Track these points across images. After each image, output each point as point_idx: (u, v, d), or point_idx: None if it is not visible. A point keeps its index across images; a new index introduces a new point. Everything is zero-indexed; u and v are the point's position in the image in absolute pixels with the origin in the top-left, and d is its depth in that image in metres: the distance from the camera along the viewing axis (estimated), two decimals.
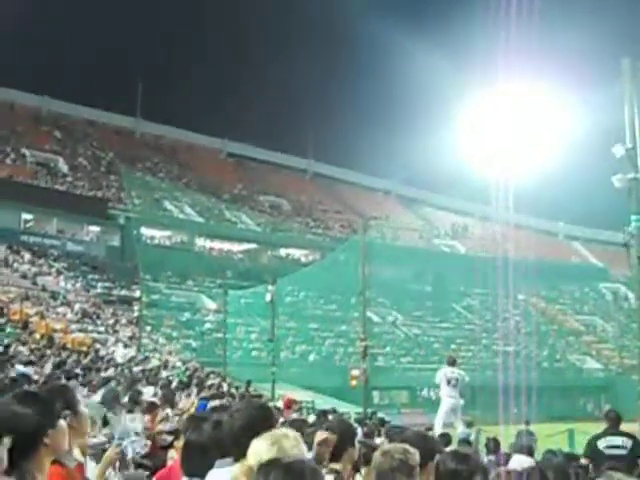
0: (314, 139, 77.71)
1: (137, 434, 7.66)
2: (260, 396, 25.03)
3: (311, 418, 18.47)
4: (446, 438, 11.96)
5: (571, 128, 53.85)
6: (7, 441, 2.37)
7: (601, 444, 9.79)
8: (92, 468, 5.61)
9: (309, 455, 3.73)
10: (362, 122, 73.09)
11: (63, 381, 15.71)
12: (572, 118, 53.76)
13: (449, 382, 15.62)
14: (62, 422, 3.95)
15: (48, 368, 21.77)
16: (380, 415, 24.56)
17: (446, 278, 63.03)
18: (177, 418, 12.92)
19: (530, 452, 9.73)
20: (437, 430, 15.09)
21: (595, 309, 71.22)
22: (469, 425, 16.06)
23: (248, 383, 30.08)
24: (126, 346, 37.02)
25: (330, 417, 14.33)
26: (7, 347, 25.81)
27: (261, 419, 4.26)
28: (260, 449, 3.67)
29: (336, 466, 5.18)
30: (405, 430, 6.82)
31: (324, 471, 5.03)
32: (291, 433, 3.77)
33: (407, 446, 5.20)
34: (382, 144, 64.67)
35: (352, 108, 78.96)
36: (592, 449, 9.83)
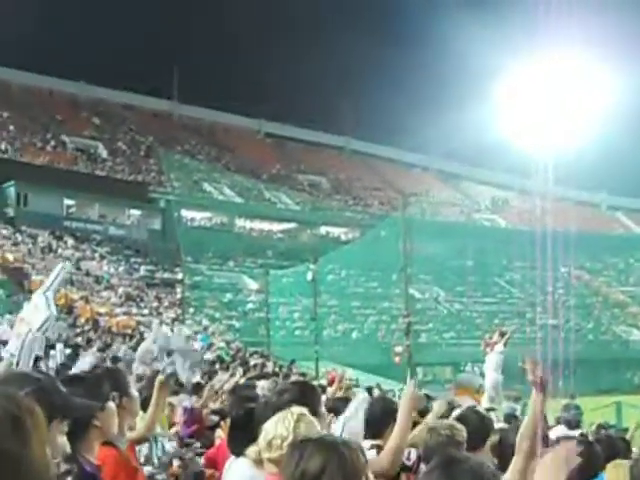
0: (351, 116, 77.40)
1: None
2: (304, 375, 25.13)
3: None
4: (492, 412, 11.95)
5: (611, 97, 53.08)
6: (65, 427, 2.41)
7: None
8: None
9: (319, 430, 3.73)
10: (399, 98, 72.65)
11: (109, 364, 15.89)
12: (612, 87, 52.97)
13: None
14: (111, 404, 4.00)
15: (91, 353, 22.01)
16: (425, 391, 24.52)
17: (487, 252, 62.60)
18: (223, 398, 13.01)
19: (576, 425, 9.68)
20: (485, 405, 15.06)
21: None
22: (516, 400, 15.99)
23: (291, 362, 30.20)
24: (172, 330, 37.33)
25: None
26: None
27: (308, 397, 4.29)
28: (270, 428, 3.70)
29: (378, 442, 5.20)
30: (454, 405, 6.81)
31: (367, 445, 5.06)
32: (299, 410, 3.78)
33: (454, 422, 5.20)
34: (420, 119, 64.21)
35: (389, 84, 78.64)
36: None
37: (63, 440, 2.41)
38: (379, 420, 5.31)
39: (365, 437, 5.24)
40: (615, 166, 62.29)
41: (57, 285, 7.39)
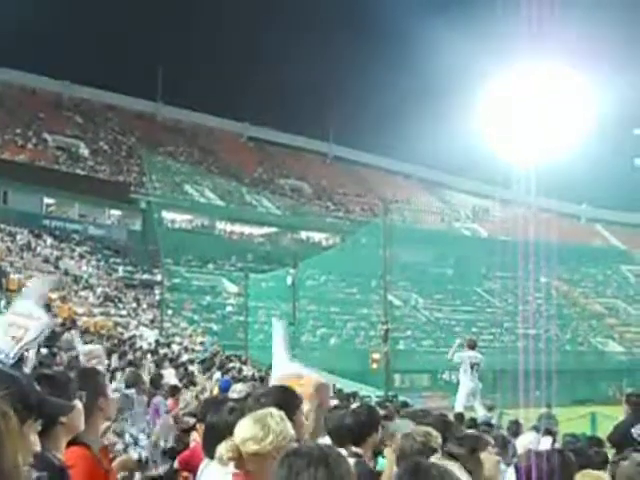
0: (334, 122, 77.46)
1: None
2: None
3: (333, 402, 18.47)
4: (462, 418, 12.00)
5: (593, 111, 53.48)
6: (39, 427, 2.40)
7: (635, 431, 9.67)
8: None
9: (292, 432, 3.76)
10: (383, 105, 72.86)
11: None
12: (594, 101, 53.37)
13: (472, 367, 15.56)
14: (77, 402, 3.99)
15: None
16: (402, 398, 24.57)
17: (467, 261, 62.86)
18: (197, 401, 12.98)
19: (551, 435, 9.69)
20: (457, 410, 15.09)
21: (618, 292, 70.78)
22: (490, 409, 16.04)
23: (269, 367, 30.15)
24: (152, 329, 37.30)
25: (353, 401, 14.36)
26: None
27: (288, 403, 4.29)
28: (244, 427, 3.71)
29: (358, 450, 5.21)
30: (427, 413, 6.82)
31: (345, 454, 5.06)
32: (275, 411, 3.80)
33: (429, 429, 5.21)
34: (403, 127, 64.40)
35: (372, 91, 78.74)
36: (619, 434, 9.73)
37: (35, 439, 2.40)
38: (362, 428, 5.33)
39: (346, 444, 5.24)
40: (596, 178, 62.74)
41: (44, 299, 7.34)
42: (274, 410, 3.83)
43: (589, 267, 71.25)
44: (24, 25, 61.48)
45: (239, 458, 3.70)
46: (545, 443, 7.49)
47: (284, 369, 11.39)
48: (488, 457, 5.03)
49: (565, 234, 64.13)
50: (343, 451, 5.01)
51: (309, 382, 10.39)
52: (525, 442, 7.35)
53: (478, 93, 58.23)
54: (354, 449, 5.20)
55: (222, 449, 3.83)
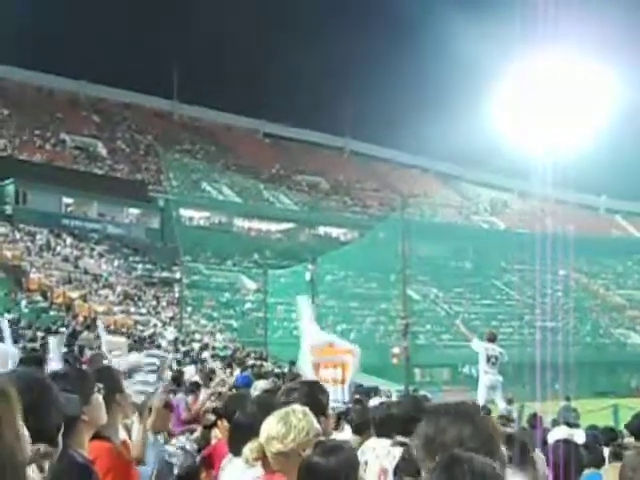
0: (351, 117, 77.43)
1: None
2: (300, 375, 25.13)
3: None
4: (485, 410, 11.95)
5: (612, 100, 53.10)
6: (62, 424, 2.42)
7: None
8: None
9: (317, 427, 3.75)
10: (399, 99, 72.69)
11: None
12: (614, 90, 52.99)
13: (489, 359, 15.49)
14: (96, 396, 4.01)
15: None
16: (422, 393, 24.53)
17: (486, 254, 62.66)
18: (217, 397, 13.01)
19: (575, 427, 9.66)
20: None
21: (639, 283, 70.33)
22: (509, 402, 15.96)
23: (292, 363, 30.15)
24: (168, 326, 37.39)
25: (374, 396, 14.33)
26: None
27: (316, 397, 4.29)
28: (268, 426, 3.70)
29: (404, 439, 5.19)
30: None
31: (389, 443, 5.09)
32: (299, 408, 3.79)
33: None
34: (419, 121, 64.23)
35: (389, 86, 78.64)
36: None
37: (60, 438, 2.42)
38: (408, 418, 5.32)
39: (392, 433, 5.26)
40: (615, 169, 62.33)
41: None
42: (297, 406, 3.83)
43: (609, 258, 70.81)
44: (40, 26, 61.78)
45: (264, 458, 3.70)
46: (579, 437, 7.47)
47: (316, 338, 11.41)
48: (538, 455, 4.95)
49: (584, 226, 63.84)
50: (389, 440, 5.06)
51: (341, 349, 10.39)
52: (557, 436, 7.30)
53: (495, 85, 57.94)
54: (400, 438, 5.20)
55: (247, 450, 3.84)
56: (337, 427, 5.55)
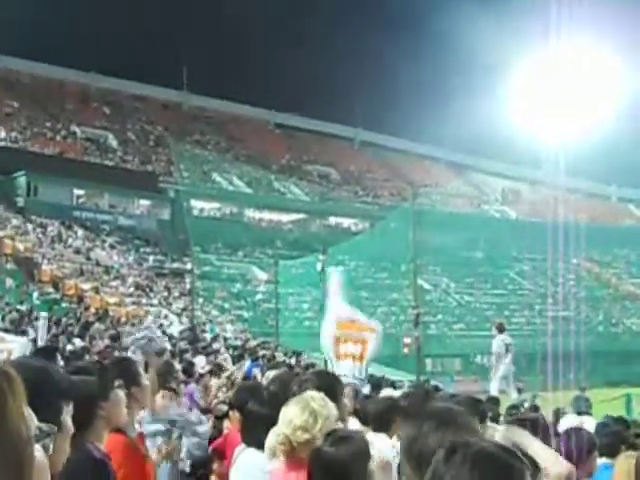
0: (361, 107, 77.22)
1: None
2: (313, 365, 25.15)
3: (366, 389, 18.44)
4: (496, 401, 11.94)
5: (624, 88, 52.81)
6: (70, 408, 2.43)
7: None
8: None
9: (336, 412, 3.73)
10: (409, 88, 72.42)
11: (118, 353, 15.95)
12: (624, 77, 52.70)
13: (507, 349, 15.52)
14: (117, 393, 3.99)
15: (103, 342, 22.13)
16: (434, 383, 24.52)
17: (497, 244, 62.48)
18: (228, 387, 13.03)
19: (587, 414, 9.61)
20: (492, 394, 15.02)
21: None
22: (519, 392, 15.98)
23: (297, 354, 30.18)
24: (179, 316, 37.49)
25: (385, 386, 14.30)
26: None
27: (331, 387, 4.27)
28: (292, 415, 3.68)
29: None
30: (458, 397, 6.78)
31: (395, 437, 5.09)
32: (316, 394, 3.77)
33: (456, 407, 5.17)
34: (430, 110, 63.99)
35: (399, 75, 78.28)
36: None
37: (70, 421, 2.42)
38: (417, 410, 5.29)
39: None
40: (626, 158, 62.01)
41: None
42: (314, 393, 3.81)
43: (621, 248, 70.52)
44: (51, 17, 61.82)
45: (292, 448, 3.68)
46: (589, 424, 7.45)
47: (340, 312, 11.43)
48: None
49: (596, 214, 63.65)
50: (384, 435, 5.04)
51: (363, 326, 10.43)
52: (567, 425, 7.30)
53: (506, 74, 57.67)
54: None
55: (272, 441, 3.80)
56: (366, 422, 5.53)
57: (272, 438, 3.81)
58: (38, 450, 1.84)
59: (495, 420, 8.10)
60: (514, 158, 69.00)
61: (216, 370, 14.35)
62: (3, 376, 1.73)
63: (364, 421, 5.98)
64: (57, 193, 49.39)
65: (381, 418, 5.44)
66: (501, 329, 16.24)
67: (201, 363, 16.73)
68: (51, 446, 1.95)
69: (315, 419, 3.63)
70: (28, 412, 1.76)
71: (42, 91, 63.63)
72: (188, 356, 18.37)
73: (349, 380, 9.21)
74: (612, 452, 6.07)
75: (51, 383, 2.37)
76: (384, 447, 5.12)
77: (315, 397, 3.75)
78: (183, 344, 23.41)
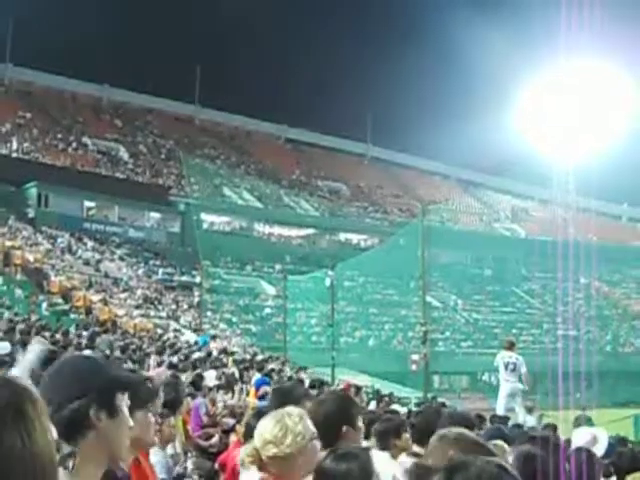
0: (372, 123, 77.53)
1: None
2: (321, 381, 25.12)
3: (372, 405, 18.44)
4: (504, 420, 11.90)
5: (634, 108, 52.80)
6: (127, 400, 2.47)
7: None
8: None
9: (313, 430, 3.68)
10: (420, 106, 72.54)
11: (130, 365, 15.94)
12: (635, 98, 52.69)
13: (506, 366, 15.47)
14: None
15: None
16: (440, 400, 24.46)
17: (506, 262, 62.43)
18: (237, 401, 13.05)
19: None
20: (498, 412, 14.98)
21: None
22: (530, 410, 15.90)
23: (300, 368, 30.10)
24: (195, 331, 37.48)
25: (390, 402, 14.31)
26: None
27: (346, 409, 4.23)
28: (264, 429, 3.65)
29: (419, 449, 5.15)
30: (459, 414, 6.78)
31: (405, 455, 5.06)
32: (295, 410, 3.73)
33: (463, 430, 5.16)
34: (440, 127, 64.08)
35: (410, 91, 78.39)
36: None
37: (127, 413, 2.45)
38: (424, 428, 5.26)
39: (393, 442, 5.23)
40: (637, 177, 61.90)
41: None
42: (293, 409, 3.76)
43: (630, 267, 70.26)
44: (63, 30, 62.18)
45: (260, 461, 3.62)
46: (602, 436, 7.43)
47: None
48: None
49: (606, 234, 63.42)
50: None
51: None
52: (580, 441, 7.26)
53: (516, 92, 57.81)
54: (416, 448, 5.17)
55: (242, 454, 3.78)
56: (367, 436, 5.50)
57: (242, 450, 3.80)
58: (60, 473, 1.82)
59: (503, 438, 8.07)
60: (524, 176, 68.93)
61: (224, 385, 14.34)
62: (27, 397, 1.66)
63: (366, 436, 6.00)
64: (67, 204, 49.56)
65: (387, 435, 5.42)
66: (507, 346, 16.18)
67: (211, 377, 16.70)
68: (70, 463, 1.93)
69: (285, 434, 3.57)
70: (52, 434, 1.71)
71: (54, 103, 63.98)
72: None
73: None
74: (619, 473, 6.06)
75: (102, 371, 2.40)
76: (394, 463, 5.11)
77: (292, 413, 3.68)
78: (196, 355, 23.33)
